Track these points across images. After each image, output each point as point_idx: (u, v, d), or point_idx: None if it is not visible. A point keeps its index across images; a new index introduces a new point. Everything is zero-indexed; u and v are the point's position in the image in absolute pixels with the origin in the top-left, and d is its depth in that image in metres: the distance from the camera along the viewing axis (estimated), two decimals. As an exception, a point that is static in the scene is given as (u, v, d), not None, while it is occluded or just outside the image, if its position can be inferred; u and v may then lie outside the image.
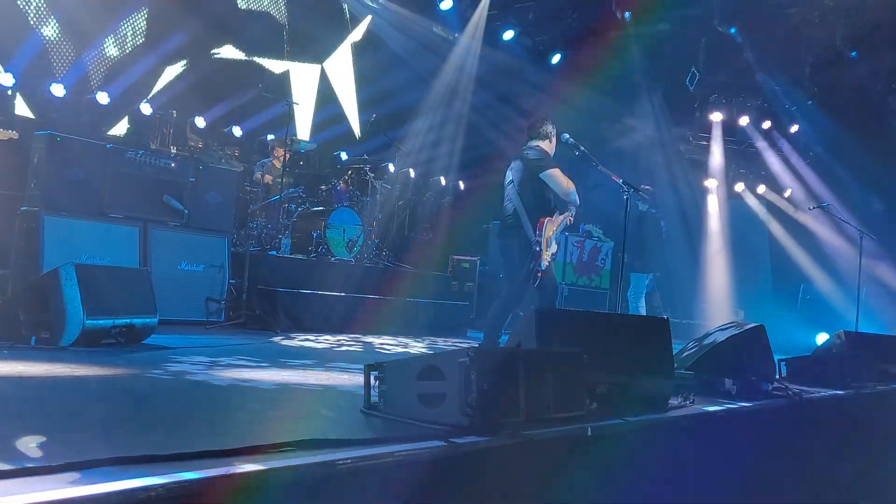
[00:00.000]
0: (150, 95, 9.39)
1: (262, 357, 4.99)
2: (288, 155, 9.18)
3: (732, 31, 12.46)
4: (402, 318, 8.34)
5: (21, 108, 8.54)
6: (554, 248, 5.61)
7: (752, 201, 15.03)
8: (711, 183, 14.83)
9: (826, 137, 13.45)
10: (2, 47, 8.16)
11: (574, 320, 3.99)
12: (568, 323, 3.81)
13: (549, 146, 5.74)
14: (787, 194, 14.62)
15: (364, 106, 11.76)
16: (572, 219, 5.96)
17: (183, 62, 9.94)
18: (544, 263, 5.42)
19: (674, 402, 3.81)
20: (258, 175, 9.25)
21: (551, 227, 5.55)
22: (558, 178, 5.47)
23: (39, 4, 8.59)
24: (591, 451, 3.00)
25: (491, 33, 12.59)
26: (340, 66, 12.12)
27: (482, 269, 11.21)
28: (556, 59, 13.39)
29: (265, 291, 7.42)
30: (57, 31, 8.79)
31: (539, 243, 5.33)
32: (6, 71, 8.09)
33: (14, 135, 5.90)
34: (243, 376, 4.06)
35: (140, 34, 9.69)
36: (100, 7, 8.79)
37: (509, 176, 5.71)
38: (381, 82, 11.75)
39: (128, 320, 4.88)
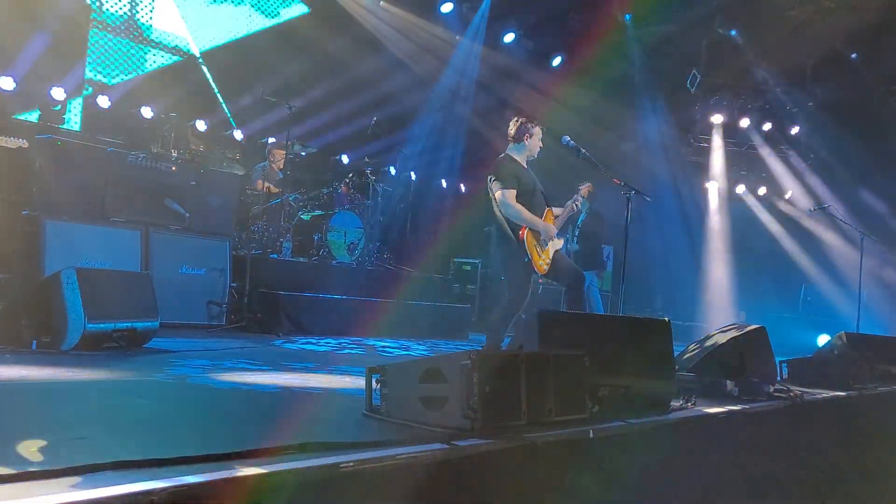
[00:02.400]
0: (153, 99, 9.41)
1: (263, 360, 4.99)
2: (281, 162, 9.18)
3: (733, 32, 12.47)
4: (404, 320, 8.34)
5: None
6: (558, 244, 5.58)
7: (753, 203, 15.03)
8: (712, 185, 14.83)
9: (827, 139, 13.45)
10: (3, 51, 8.19)
11: (576, 323, 3.98)
12: (569, 325, 3.80)
13: (520, 150, 5.63)
14: (787, 196, 14.62)
15: (363, 109, 11.76)
16: (578, 204, 5.86)
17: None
18: (541, 269, 5.41)
19: (675, 404, 3.81)
20: (259, 183, 9.26)
21: (549, 222, 5.53)
22: (503, 201, 5.34)
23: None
24: (593, 453, 3.00)
25: (492, 36, 12.60)
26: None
27: (483, 272, 11.21)
28: (556, 61, 13.40)
29: (267, 294, 7.42)
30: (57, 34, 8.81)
31: (527, 254, 5.33)
32: (6, 75, 8.12)
33: (24, 144, 5.89)
34: (245, 379, 4.06)
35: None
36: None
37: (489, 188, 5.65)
38: (383, 85, 11.76)
39: (129, 324, 4.88)
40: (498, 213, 5.49)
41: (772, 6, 11.78)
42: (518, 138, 5.61)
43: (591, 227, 9.70)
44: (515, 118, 5.70)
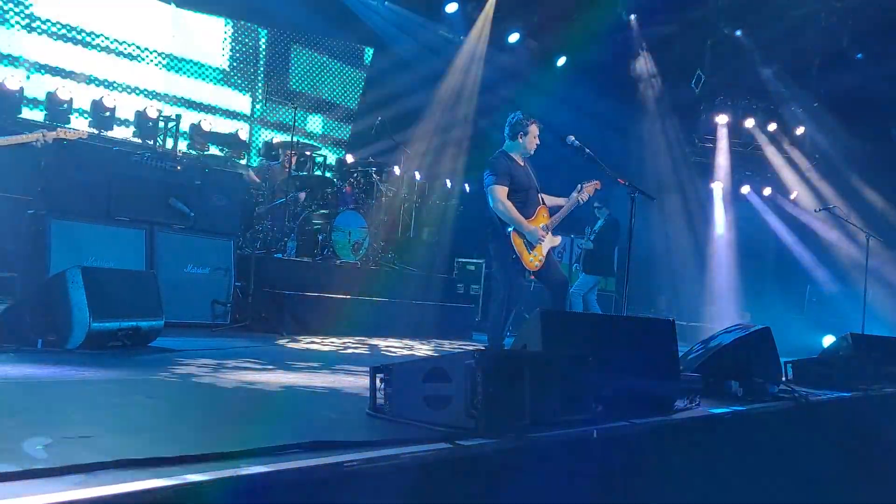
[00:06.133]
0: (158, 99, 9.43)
1: (267, 359, 5.00)
2: (294, 159, 9.20)
3: (738, 32, 12.44)
4: (408, 320, 8.34)
5: (28, 112, 8.60)
6: (555, 241, 5.58)
7: (757, 203, 15.00)
8: (717, 185, 14.80)
9: (833, 139, 13.41)
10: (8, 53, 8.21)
11: (580, 322, 3.98)
12: (573, 325, 3.80)
13: (515, 147, 5.61)
14: (793, 196, 14.58)
15: (367, 108, 11.77)
16: (584, 198, 5.83)
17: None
18: (531, 266, 5.42)
19: (679, 404, 3.80)
20: (255, 174, 9.24)
21: (541, 221, 5.54)
22: (493, 196, 5.38)
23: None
24: (597, 453, 2.99)
25: (496, 36, 12.60)
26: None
27: (487, 272, 11.21)
28: (561, 61, 13.39)
29: (271, 294, 7.43)
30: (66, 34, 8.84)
31: (514, 251, 5.34)
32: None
33: (83, 134, 5.91)
34: (249, 378, 4.06)
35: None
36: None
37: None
38: (387, 85, 11.77)
39: (134, 323, 4.89)
40: (490, 208, 5.51)
41: (777, 6, 11.74)
42: (513, 136, 5.62)
43: (609, 234, 9.72)
44: (512, 115, 5.71)
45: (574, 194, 5.79)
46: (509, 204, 5.37)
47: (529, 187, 5.55)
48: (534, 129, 5.60)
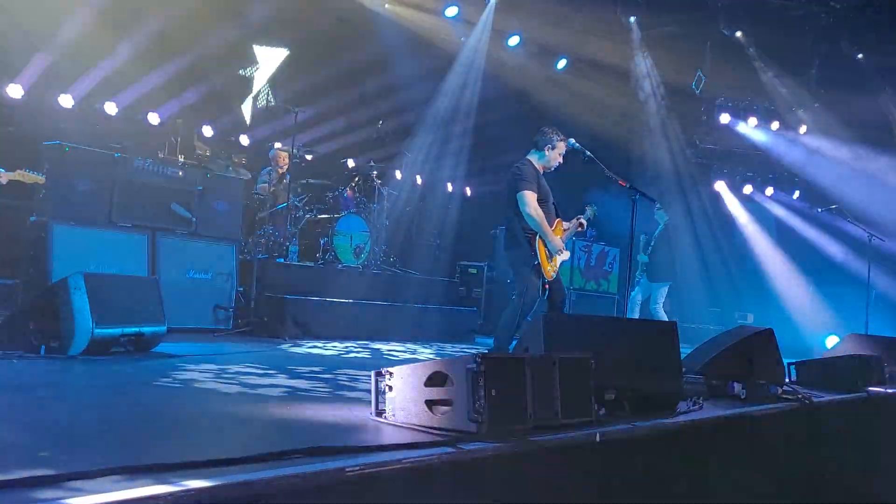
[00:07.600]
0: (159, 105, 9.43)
1: (270, 364, 5.00)
2: (286, 167, 9.20)
3: (738, 33, 12.44)
4: (410, 324, 8.35)
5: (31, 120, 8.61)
6: (565, 255, 5.61)
7: (760, 204, 14.99)
8: (719, 186, 14.79)
9: (834, 139, 13.40)
10: (11, 60, 8.24)
11: (582, 325, 3.98)
12: (576, 328, 3.80)
13: (540, 158, 5.67)
14: (795, 196, 14.56)
15: (360, 112, 11.72)
16: (584, 223, 5.95)
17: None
18: (548, 275, 5.44)
19: (682, 406, 3.79)
20: (265, 187, 9.27)
21: (558, 233, 5.57)
22: (525, 201, 5.40)
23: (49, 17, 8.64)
24: (600, 456, 2.99)
25: (497, 39, 12.60)
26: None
27: (489, 275, 11.20)
28: (561, 64, 13.39)
29: (273, 299, 7.44)
30: (67, 43, 8.84)
31: (537, 257, 5.36)
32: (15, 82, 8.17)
33: (39, 180, 5.74)
34: (251, 383, 4.07)
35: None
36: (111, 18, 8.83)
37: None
38: (388, 89, 11.77)
39: (137, 328, 4.90)
40: (511, 216, 5.51)
41: (777, 6, 11.73)
42: (540, 146, 5.66)
43: (665, 238, 9.56)
44: (544, 127, 5.76)
45: (575, 220, 5.86)
46: (541, 213, 5.41)
47: (548, 199, 5.59)
48: (561, 147, 5.66)
